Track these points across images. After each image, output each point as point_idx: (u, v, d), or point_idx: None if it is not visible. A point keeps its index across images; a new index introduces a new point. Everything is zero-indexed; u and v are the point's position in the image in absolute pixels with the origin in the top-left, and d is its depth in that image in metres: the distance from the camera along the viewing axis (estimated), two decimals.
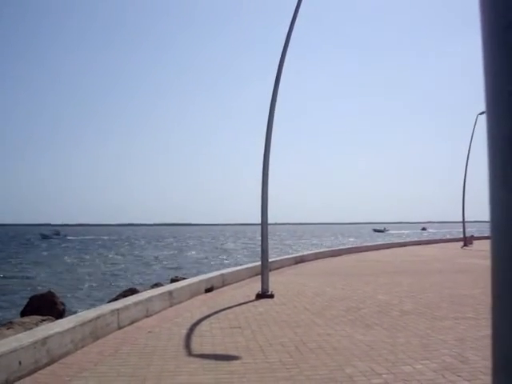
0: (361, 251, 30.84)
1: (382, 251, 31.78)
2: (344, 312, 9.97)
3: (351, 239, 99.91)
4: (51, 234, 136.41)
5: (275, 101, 12.59)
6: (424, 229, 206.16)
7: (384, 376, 5.71)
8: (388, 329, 8.31)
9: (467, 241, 37.61)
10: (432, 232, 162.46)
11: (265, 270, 12.35)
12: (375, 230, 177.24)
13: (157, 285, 20.04)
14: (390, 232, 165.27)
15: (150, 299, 9.95)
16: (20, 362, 5.79)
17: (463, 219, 37.96)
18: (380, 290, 13.20)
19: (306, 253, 27.92)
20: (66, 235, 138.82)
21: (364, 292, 12.78)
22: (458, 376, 5.62)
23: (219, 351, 7.06)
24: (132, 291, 17.63)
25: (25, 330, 9.61)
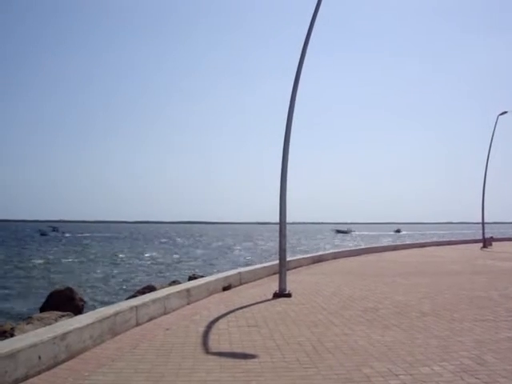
0: (379, 251, 30.73)
1: (400, 252, 31.64)
2: (362, 312, 9.94)
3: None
4: (50, 231, 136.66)
5: (294, 102, 12.57)
6: (398, 230, 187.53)
7: (402, 377, 5.68)
8: (406, 330, 8.27)
9: (486, 242, 37.30)
10: (407, 234, 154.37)
11: (282, 269, 12.33)
12: (337, 231, 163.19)
13: (174, 282, 20.15)
14: (355, 233, 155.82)
15: (167, 297, 9.99)
16: (40, 357, 5.86)
17: (483, 220, 37.63)
18: (398, 290, 13.13)
19: (323, 252, 27.87)
20: (64, 232, 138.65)
21: (382, 292, 12.73)
22: (477, 378, 5.58)
23: (236, 349, 7.08)
24: (150, 288, 17.72)
25: (44, 326, 9.72)
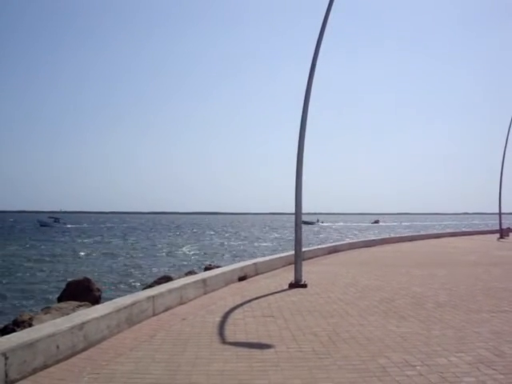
0: (395, 242, 30.60)
1: (416, 242, 31.49)
2: (377, 303, 9.93)
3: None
4: (50, 222, 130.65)
5: (309, 93, 12.52)
6: (377, 221, 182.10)
7: (418, 368, 5.68)
8: (422, 321, 8.25)
9: (503, 233, 37.04)
10: (385, 225, 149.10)
11: (298, 259, 12.34)
12: (304, 222, 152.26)
13: (191, 272, 20.26)
14: (323, 224, 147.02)
15: (184, 287, 10.04)
16: (58, 347, 5.92)
17: (499, 211, 37.33)
18: (414, 281, 13.09)
19: (339, 243, 27.84)
20: (65, 223, 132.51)
21: (398, 283, 12.70)
22: (494, 369, 5.56)
23: (252, 339, 7.11)
24: (166, 279, 17.84)
25: (62, 316, 9.81)
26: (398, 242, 31.08)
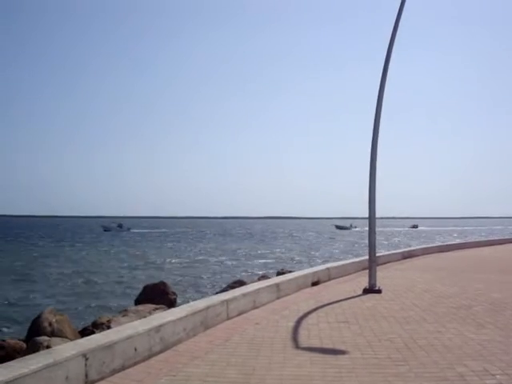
0: (471, 247, 29.74)
1: (494, 247, 30.48)
2: (455, 309, 9.69)
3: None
4: (114, 227, 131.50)
5: (382, 96, 12.39)
6: (415, 226, 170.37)
7: (498, 377, 5.51)
8: (502, 328, 7.99)
9: None
10: (425, 230, 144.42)
11: (372, 264, 12.19)
12: (338, 227, 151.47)
13: (263, 277, 20.37)
14: (357, 230, 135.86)
15: (257, 291, 10.10)
16: (135, 349, 6.08)
17: None
18: (492, 287, 12.68)
19: (413, 248, 27.32)
20: (129, 228, 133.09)
21: (475, 289, 12.33)
22: None
23: (326, 345, 7.08)
24: (240, 283, 18.01)
25: (139, 318, 10.06)
26: (475, 246, 30.19)
